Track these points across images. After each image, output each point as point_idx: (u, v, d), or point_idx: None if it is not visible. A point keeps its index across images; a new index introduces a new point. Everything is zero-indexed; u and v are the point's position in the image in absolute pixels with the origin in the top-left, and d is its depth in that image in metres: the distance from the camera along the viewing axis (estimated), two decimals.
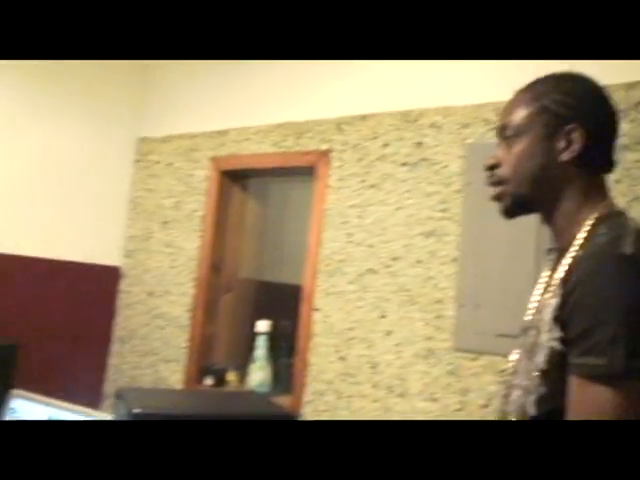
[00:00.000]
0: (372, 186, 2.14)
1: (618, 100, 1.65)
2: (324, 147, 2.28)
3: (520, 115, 1.10)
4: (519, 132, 1.10)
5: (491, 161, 1.14)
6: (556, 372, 0.97)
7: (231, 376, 2.47)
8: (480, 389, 1.82)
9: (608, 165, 1.12)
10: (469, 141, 1.94)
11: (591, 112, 1.07)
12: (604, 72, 1.67)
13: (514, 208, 1.13)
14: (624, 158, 1.65)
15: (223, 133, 2.60)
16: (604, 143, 1.10)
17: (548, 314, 1.05)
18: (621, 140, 1.64)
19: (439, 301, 1.93)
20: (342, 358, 2.12)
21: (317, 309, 2.20)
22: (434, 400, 1.90)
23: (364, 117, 2.19)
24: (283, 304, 2.51)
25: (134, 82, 2.92)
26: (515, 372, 1.14)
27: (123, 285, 2.84)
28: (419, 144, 2.05)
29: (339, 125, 2.25)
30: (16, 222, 2.54)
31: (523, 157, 1.09)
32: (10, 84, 2.52)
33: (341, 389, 2.10)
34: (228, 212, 2.64)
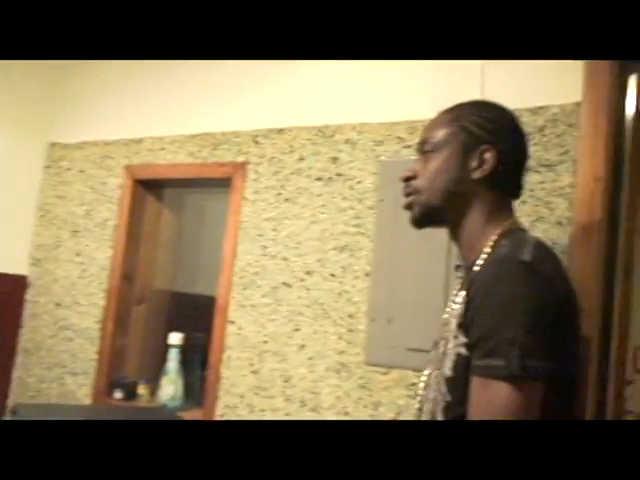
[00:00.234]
0: (287, 200, 2.14)
1: (524, 124, 1.72)
2: (240, 159, 2.27)
3: (440, 133, 1.18)
4: (437, 148, 1.18)
5: (408, 173, 1.22)
6: (462, 379, 1.01)
7: (142, 390, 2.42)
8: (391, 403, 1.84)
9: (516, 189, 1.21)
10: (382, 158, 1.97)
11: (505, 137, 1.16)
12: (513, 97, 1.75)
13: (423, 218, 1.20)
14: (529, 180, 1.71)
15: (138, 141, 2.54)
16: (514, 167, 1.19)
17: (453, 323, 1.08)
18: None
19: (352, 315, 1.95)
20: (255, 371, 2.10)
21: (231, 322, 2.18)
22: (346, 414, 1.91)
23: (280, 130, 2.19)
24: (197, 316, 2.47)
25: (46, 86, 2.82)
26: (427, 386, 1.18)
27: (29, 295, 2.73)
28: (334, 159, 2.07)
29: (255, 138, 2.24)
30: None
31: (438, 171, 1.17)
32: None
33: (253, 403, 2.08)
34: (142, 222, 2.58)
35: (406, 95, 1.96)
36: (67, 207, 2.70)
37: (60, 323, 2.61)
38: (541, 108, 1.72)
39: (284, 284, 2.09)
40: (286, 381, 2.03)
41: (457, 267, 1.25)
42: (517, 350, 0.93)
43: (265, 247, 2.15)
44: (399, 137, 1.94)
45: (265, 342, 2.10)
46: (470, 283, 1.05)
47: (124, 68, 2.63)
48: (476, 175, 1.14)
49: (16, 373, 2.69)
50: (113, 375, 2.48)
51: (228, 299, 2.19)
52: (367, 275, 1.94)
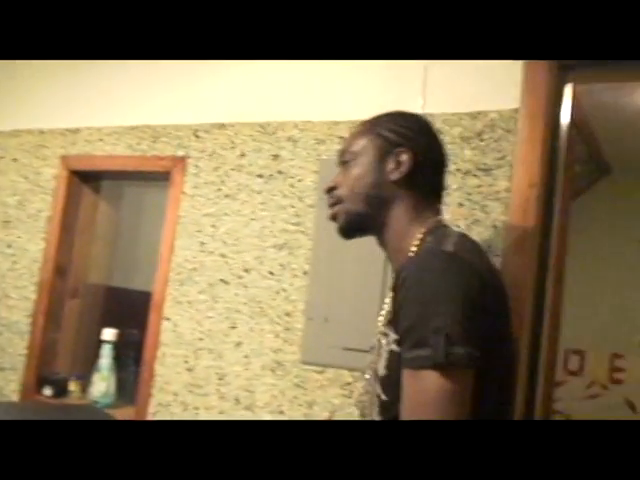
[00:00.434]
0: (227, 196, 2.11)
1: (464, 128, 1.75)
2: (180, 153, 2.23)
3: (357, 142, 1.22)
4: (355, 156, 1.21)
5: (330, 184, 1.25)
6: (396, 376, 1.01)
7: (73, 386, 2.35)
8: (325, 402, 1.84)
9: (437, 189, 1.24)
10: (324, 157, 1.96)
11: (419, 140, 1.19)
12: (454, 100, 1.78)
13: (349, 226, 1.23)
14: (465, 183, 1.73)
15: (75, 131, 2.47)
16: (431, 167, 1.22)
17: (384, 321, 1.09)
18: (464, 166, 1.74)
19: (289, 314, 1.94)
20: (190, 369, 2.07)
21: (166, 318, 2.14)
22: (280, 412, 1.90)
23: (222, 125, 2.16)
24: (132, 312, 2.42)
25: None
26: (366, 391, 1.17)
27: None
28: (276, 156, 2.05)
29: (196, 132, 2.21)
30: None
31: (358, 178, 1.19)
32: None
33: (187, 401, 2.05)
34: (77, 214, 2.51)
35: (349, 95, 1.96)
36: None
37: None
38: (480, 113, 1.75)
39: (222, 281, 2.07)
40: (221, 379, 2.01)
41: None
42: (443, 338, 0.93)
43: (203, 243, 2.12)
44: (341, 136, 1.93)
45: (201, 339, 2.07)
46: (395, 279, 1.05)
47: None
48: (394, 177, 1.17)
49: None
50: (43, 371, 2.41)
51: (164, 295, 2.16)
52: (305, 274, 1.93)
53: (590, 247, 3.70)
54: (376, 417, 1.09)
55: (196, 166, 2.19)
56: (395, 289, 1.04)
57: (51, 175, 2.50)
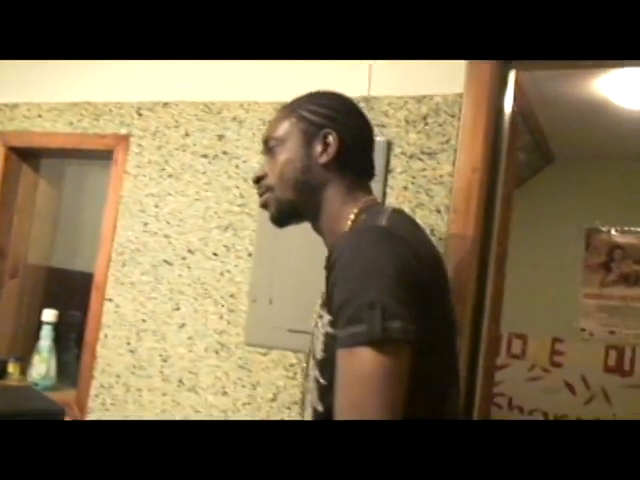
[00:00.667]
0: (171, 176, 2.07)
1: (409, 111, 1.75)
2: (123, 131, 2.17)
3: (280, 127, 1.18)
4: (280, 142, 1.17)
5: (258, 173, 1.22)
6: (332, 359, 0.96)
7: (12, 368, 2.30)
8: (270, 383, 1.84)
9: (368, 168, 1.22)
10: None
11: (344, 120, 1.16)
12: (400, 84, 1.78)
13: (281, 215, 1.20)
14: (410, 166, 1.74)
15: (12, 107, 2.38)
16: (359, 148, 1.18)
17: (318, 303, 1.07)
18: (409, 149, 1.75)
19: (233, 295, 1.93)
20: (132, 351, 2.04)
21: (109, 299, 2.10)
22: (224, 394, 1.89)
23: (166, 104, 2.11)
24: (74, 293, 2.38)
25: None
26: (307, 376, 1.16)
27: None
28: (221, 137, 2.02)
29: (139, 110, 2.16)
30: None
31: (286, 164, 1.16)
32: None
33: (130, 382, 2.02)
34: (16, 192, 2.44)
35: (295, 76, 1.94)
36: None
37: None
38: (425, 97, 1.75)
39: (165, 262, 2.04)
40: (164, 360, 1.99)
41: None
42: (379, 312, 0.89)
43: (146, 223, 2.08)
44: None
45: (144, 321, 2.04)
46: (328, 258, 1.02)
47: None
48: (323, 160, 1.14)
49: None
50: None
51: (106, 276, 2.12)
52: (250, 255, 1.92)
53: (533, 234, 3.79)
54: (316, 402, 1.08)
55: (139, 145, 2.14)
56: (328, 268, 1.00)
57: None
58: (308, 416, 1.12)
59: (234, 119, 2.01)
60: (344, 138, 1.14)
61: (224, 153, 2.01)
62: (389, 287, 0.92)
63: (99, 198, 2.25)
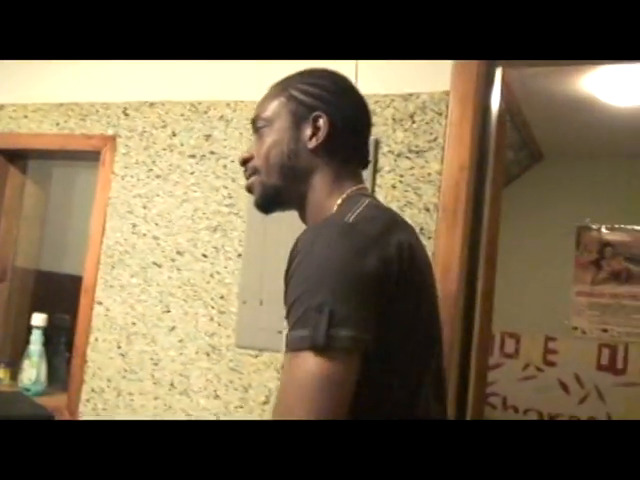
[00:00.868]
0: (158, 176, 2.06)
1: (396, 109, 1.75)
2: (110, 132, 2.16)
3: (269, 107, 1.11)
4: (268, 122, 1.10)
5: (245, 155, 1.14)
6: None
7: (2, 373, 2.28)
8: (261, 385, 1.83)
9: (360, 154, 1.14)
10: None
11: (337, 102, 1.09)
12: (386, 82, 1.77)
13: (265, 200, 1.13)
14: (398, 165, 1.73)
15: None
16: (352, 131, 1.11)
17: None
18: (396, 148, 1.74)
19: (223, 297, 1.91)
20: (123, 354, 2.02)
21: (98, 302, 2.08)
22: (216, 397, 1.88)
23: (152, 104, 2.10)
24: (63, 296, 2.36)
25: None
26: None
27: None
28: (208, 136, 2.01)
29: (126, 110, 2.14)
30: None
31: (272, 147, 1.09)
32: None
33: (121, 386, 2.01)
34: (2, 194, 2.41)
35: (282, 74, 1.92)
36: None
37: None
38: (411, 95, 1.74)
39: (154, 264, 2.02)
40: (155, 364, 1.97)
41: None
42: (325, 318, 0.84)
43: (135, 225, 2.07)
44: None
45: (134, 324, 2.03)
46: (291, 251, 0.95)
47: None
48: (311, 144, 1.07)
49: None
50: None
51: (95, 279, 2.10)
52: (239, 256, 1.91)
53: (523, 232, 3.79)
54: None
55: (126, 145, 2.13)
56: (288, 261, 0.94)
57: None
58: None
59: (221, 118, 1.99)
60: (335, 121, 1.07)
61: (211, 153, 1.99)
62: (341, 290, 0.86)
63: (87, 199, 2.23)
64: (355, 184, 1.10)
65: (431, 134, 1.71)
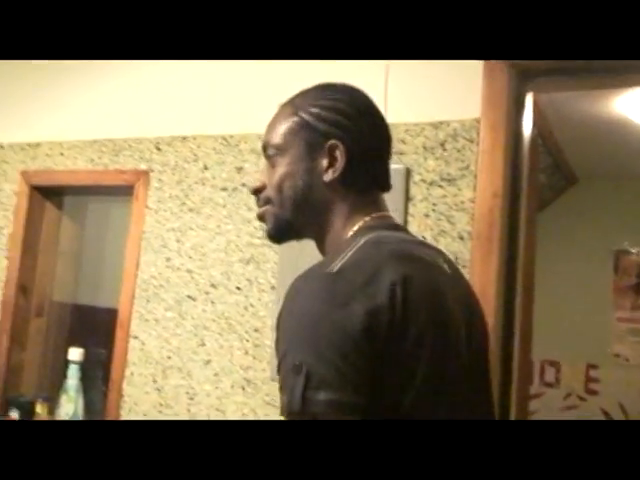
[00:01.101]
0: (191, 210, 2.08)
1: (427, 137, 1.74)
2: (143, 167, 2.19)
3: (280, 132, 1.02)
4: (280, 151, 1.02)
5: (256, 184, 1.07)
6: None
7: (39, 409, 2.29)
8: None
9: (380, 179, 1.05)
10: None
11: (353, 128, 1.00)
12: (415, 111, 1.76)
13: (279, 232, 1.06)
14: (430, 194, 1.72)
15: (35, 146, 2.42)
16: (370, 160, 1.02)
17: None
18: (428, 176, 1.73)
19: (258, 330, 1.90)
20: (159, 388, 2.02)
21: (134, 336, 2.09)
22: None
23: (184, 138, 2.12)
24: (99, 330, 2.37)
25: None
26: None
27: None
28: (239, 169, 2.02)
29: (158, 145, 2.17)
30: None
31: (285, 178, 1.01)
32: None
33: None
34: (39, 230, 2.45)
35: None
36: None
37: None
38: (442, 123, 1.73)
39: (188, 297, 2.03)
40: (191, 398, 1.97)
41: None
42: (301, 379, 0.76)
43: (169, 259, 2.08)
44: None
45: (169, 357, 2.03)
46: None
47: (21, 67, 2.50)
48: (328, 177, 0.98)
49: None
50: (8, 393, 2.34)
51: (130, 313, 2.11)
52: (273, 288, 1.90)
53: (559, 257, 3.72)
54: None
55: (159, 180, 2.15)
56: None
57: (11, 191, 2.44)
58: None
59: (252, 151, 2.01)
60: (353, 150, 0.98)
61: (243, 185, 2.00)
62: (320, 348, 0.78)
63: (121, 233, 2.26)
64: (374, 211, 1.01)
65: (463, 162, 1.69)
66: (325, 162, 0.99)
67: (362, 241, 0.92)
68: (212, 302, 1.99)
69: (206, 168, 2.08)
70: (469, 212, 1.66)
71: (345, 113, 0.99)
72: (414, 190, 1.73)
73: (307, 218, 1.02)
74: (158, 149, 2.17)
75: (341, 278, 0.83)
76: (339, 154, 0.98)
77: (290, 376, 0.78)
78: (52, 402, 2.25)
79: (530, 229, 1.79)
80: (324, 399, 0.76)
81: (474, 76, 1.69)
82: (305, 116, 1.00)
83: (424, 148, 1.74)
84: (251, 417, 1.86)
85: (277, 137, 1.02)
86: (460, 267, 1.61)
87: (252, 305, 1.93)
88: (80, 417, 2.18)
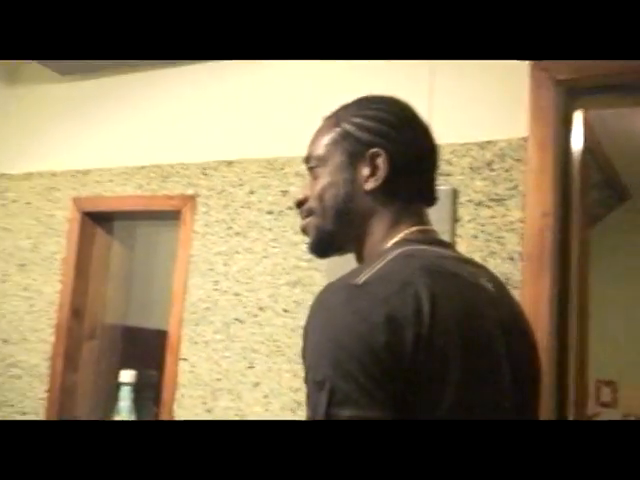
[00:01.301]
0: (238, 233, 2.09)
1: (473, 158, 1.72)
2: (190, 192, 2.22)
3: (322, 143, 1.02)
4: (321, 162, 1.01)
5: (299, 197, 1.07)
6: None
7: None
8: None
9: (424, 191, 1.02)
10: None
11: (396, 136, 0.98)
12: (462, 132, 1.75)
13: (320, 244, 1.04)
14: (478, 214, 1.69)
15: (85, 173, 2.48)
16: (414, 171, 1.00)
17: None
18: (476, 197, 1.71)
19: None
20: (209, 410, 2.04)
21: (183, 359, 2.11)
22: None
23: (230, 163, 2.15)
24: (150, 351, 2.40)
25: None
26: None
27: None
28: (285, 192, 2.03)
29: (204, 170, 2.19)
30: None
31: (326, 188, 1.00)
32: None
33: None
34: (91, 255, 2.51)
35: None
36: (13, 240, 2.61)
37: (7, 360, 2.51)
38: (489, 143, 1.71)
39: (237, 320, 2.04)
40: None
41: None
42: (325, 395, 0.75)
43: (216, 282, 2.10)
44: None
45: (218, 380, 2.04)
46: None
47: (71, 97, 2.57)
48: (369, 186, 0.97)
49: None
50: (63, 414, 2.39)
51: (180, 335, 2.13)
52: None
53: (613, 273, 3.62)
54: None
55: (206, 204, 2.18)
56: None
57: (63, 217, 2.50)
58: None
59: (297, 174, 2.01)
60: (395, 159, 0.96)
61: (289, 208, 2.01)
62: (343, 363, 0.76)
63: (169, 257, 2.29)
64: (416, 224, 0.98)
65: (511, 181, 1.66)
66: (367, 171, 0.97)
67: (395, 254, 0.89)
68: (260, 324, 1.99)
69: (252, 192, 2.09)
70: (518, 232, 1.63)
71: (387, 122, 0.98)
72: (461, 211, 1.71)
73: (349, 228, 1.00)
74: (204, 174, 2.20)
75: (365, 291, 0.80)
76: (381, 162, 0.96)
77: (314, 393, 0.77)
78: None
79: (583, 247, 1.75)
80: (349, 415, 0.74)
81: (520, 95, 1.67)
82: (347, 126, 0.99)
83: (470, 169, 1.72)
84: None
85: (319, 148, 1.02)
86: (511, 288, 1.58)
87: (300, 327, 1.91)
88: None
